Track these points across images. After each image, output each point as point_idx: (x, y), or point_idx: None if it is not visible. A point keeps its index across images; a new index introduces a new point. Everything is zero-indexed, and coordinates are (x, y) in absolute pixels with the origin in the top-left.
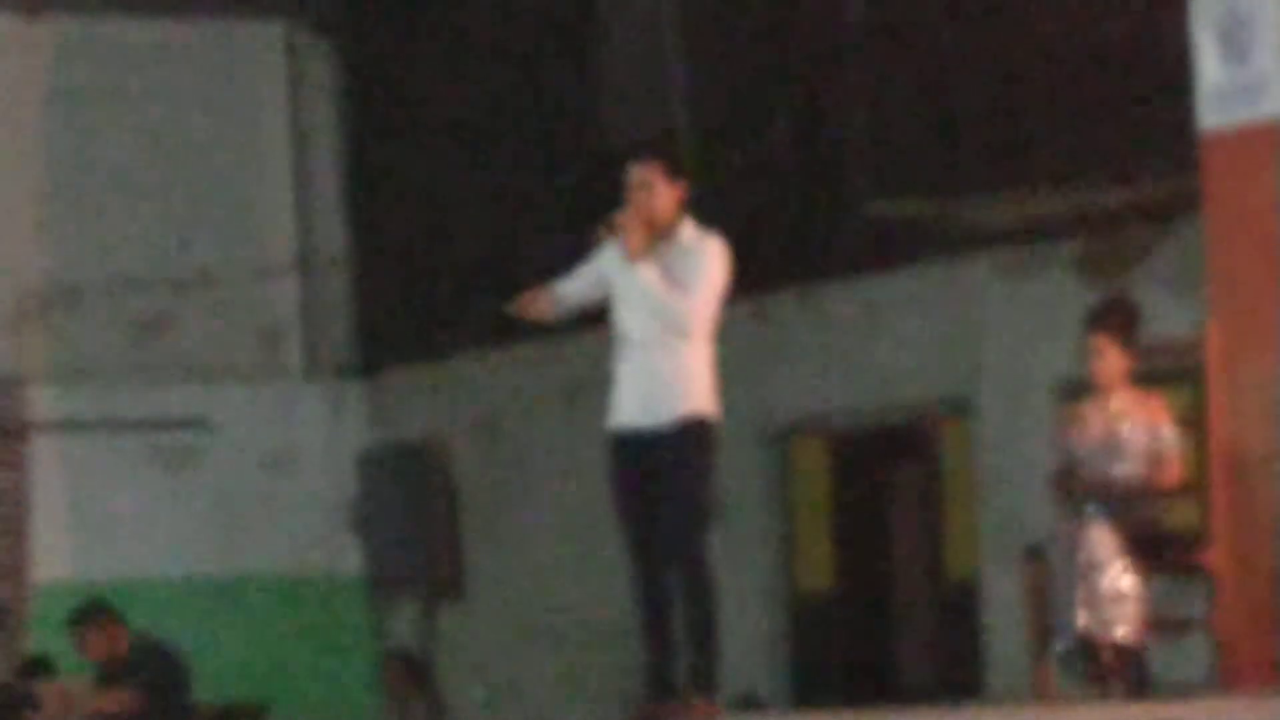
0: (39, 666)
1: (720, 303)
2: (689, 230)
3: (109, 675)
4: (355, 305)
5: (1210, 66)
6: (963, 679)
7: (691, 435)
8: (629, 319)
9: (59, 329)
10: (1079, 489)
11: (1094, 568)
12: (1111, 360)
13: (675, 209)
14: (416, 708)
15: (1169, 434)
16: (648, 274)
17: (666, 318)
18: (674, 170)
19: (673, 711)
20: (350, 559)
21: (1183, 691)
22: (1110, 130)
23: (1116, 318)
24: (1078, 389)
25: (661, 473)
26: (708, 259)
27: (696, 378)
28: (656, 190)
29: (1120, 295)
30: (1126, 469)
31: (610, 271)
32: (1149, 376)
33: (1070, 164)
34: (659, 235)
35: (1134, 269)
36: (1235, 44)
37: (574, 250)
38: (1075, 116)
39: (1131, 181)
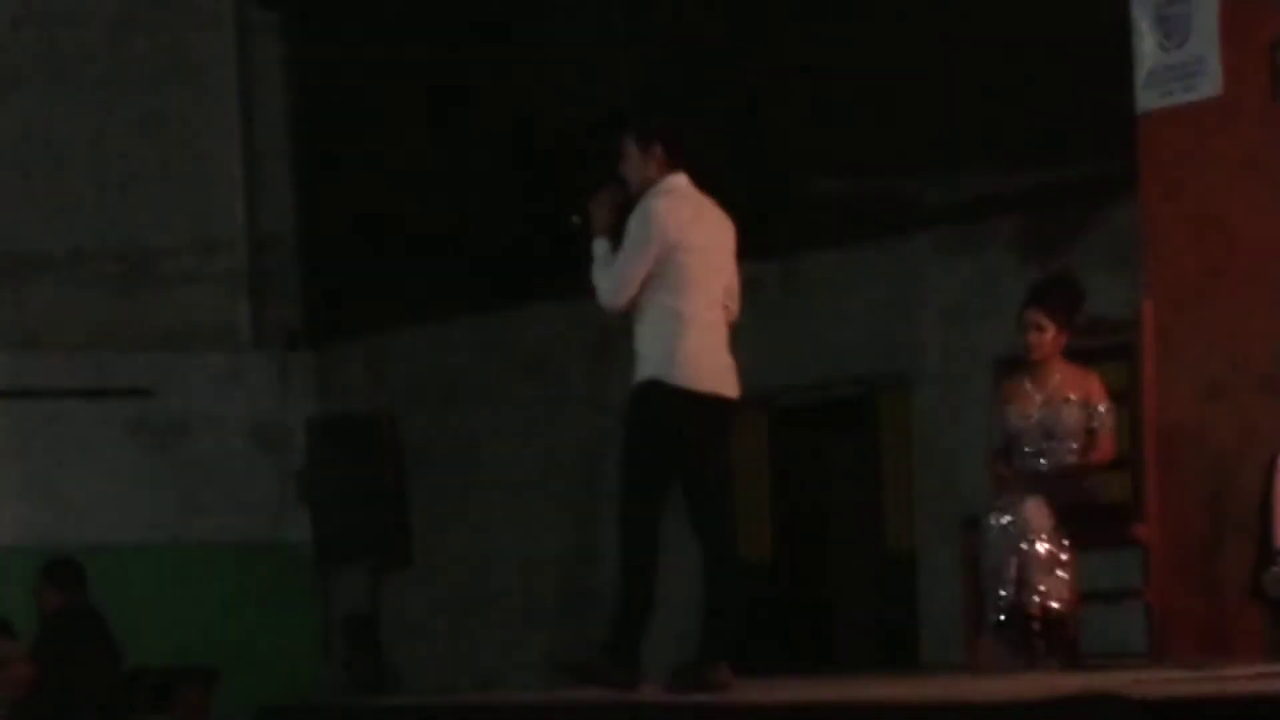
0: None
1: (650, 263)
2: (650, 193)
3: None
4: (304, 278)
5: (1148, 49)
6: (899, 649)
7: (632, 402)
8: None
9: (11, 298)
10: (1011, 477)
11: (1027, 540)
12: (1050, 337)
13: (651, 174)
14: (364, 673)
15: (1104, 410)
16: (596, 249)
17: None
18: (646, 138)
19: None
20: (298, 527)
21: (1115, 660)
22: (1048, 110)
23: (1058, 295)
24: (1012, 364)
25: None
26: (635, 224)
27: (648, 344)
28: (630, 158)
29: (1064, 273)
30: (1061, 447)
31: None
32: (1084, 353)
33: (1009, 143)
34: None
35: (1071, 247)
36: (1173, 27)
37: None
38: (1014, 96)
39: (1069, 161)
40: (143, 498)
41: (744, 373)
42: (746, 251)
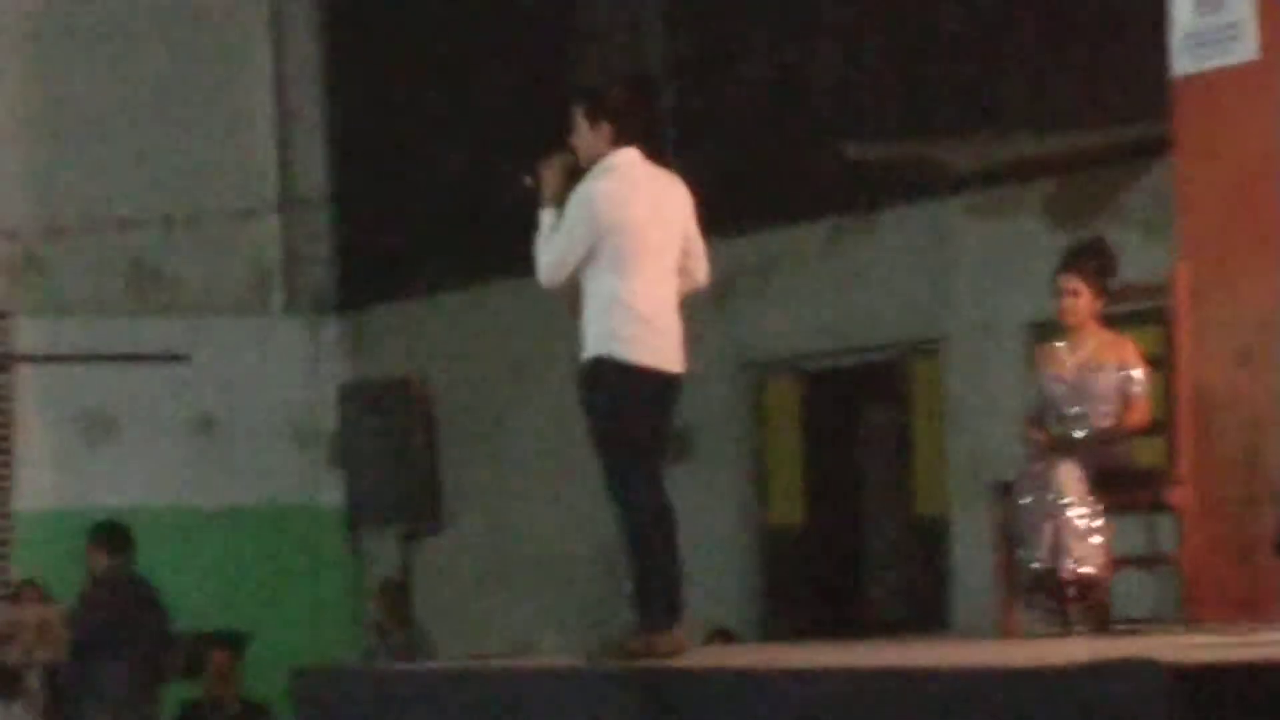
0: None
1: (586, 245)
2: (593, 172)
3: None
4: (336, 242)
5: (1184, 12)
6: (930, 614)
7: (583, 382)
8: None
9: (44, 265)
10: (1045, 442)
11: (1061, 505)
12: (1084, 301)
13: (597, 149)
14: (396, 638)
15: (1139, 375)
16: (543, 219)
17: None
18: (595, 113)
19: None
20: (331, 491)
21: (1147, 626)
22: (1082, 73)
23: (1092, 260)
24: (1047, 329)
25: None
26: (574, 204)
27: (591, 322)
28: (579, 131)
29: (1098, 238)
30: (1095, 412)
31: None
32: (1119, 318)
33: (1043, 107)
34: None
35: (1104, 211)
36: None
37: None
38: (1048, 59)
39: (1103, 124)
40: (176, 463)
41: (776, 338)
42: (781, 216)
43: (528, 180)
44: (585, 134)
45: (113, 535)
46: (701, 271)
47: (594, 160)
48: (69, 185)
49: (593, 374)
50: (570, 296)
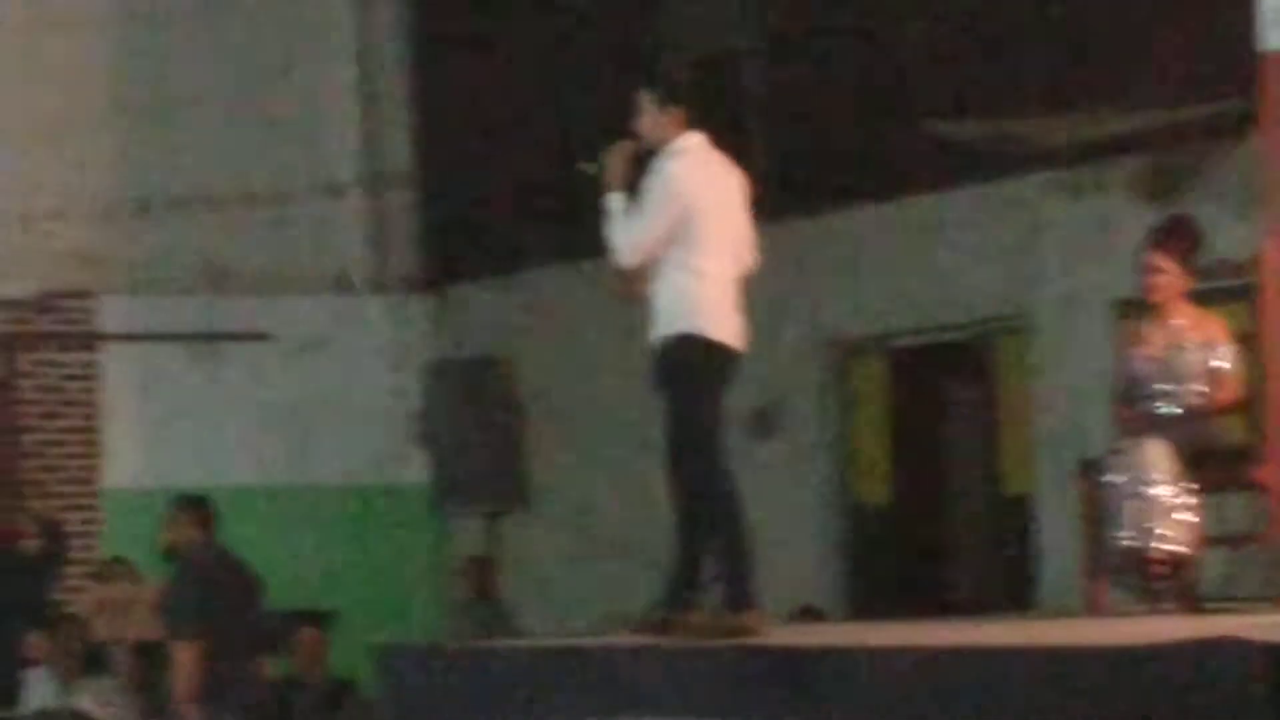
0: (116, 568)
1: (669, 223)
2: (667, 153)
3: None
4: (421, 220)
5: None
6: (1016, 593)
7: (665, 359)
8: None
9: (129, 244)
10: (1133, 420)
11: (1148, 483)
12: (1171, 279)
13: (666, 134)
14: (482, 615)
15: (1226, 353)
16: (611, 203)
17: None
18: (664, 98)
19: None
20: (416, 470)
21: (1235, 604)
22: (1170, 48)
23: (1178, 237)
24: (1133, 307)
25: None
26: (656, 183)
27: (671, 300)
28: (647, 115)
29: (1184, 215)
30: (1183, 390)
31: None
32: (1206, 295)
33: (1128, 83)
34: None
35: (1191, 188)
36: None
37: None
38: (1135, 35)
39: (1190, 100)
40: (261, 441)
41: (863, 316)
42: (868, 192)
43: (589, 167)
44: (654, 118)
45: (202, 509)
46: (751, 256)
47: (661, 144)
48: (153, 164)
49: (677, 349)
50: (626, 274)
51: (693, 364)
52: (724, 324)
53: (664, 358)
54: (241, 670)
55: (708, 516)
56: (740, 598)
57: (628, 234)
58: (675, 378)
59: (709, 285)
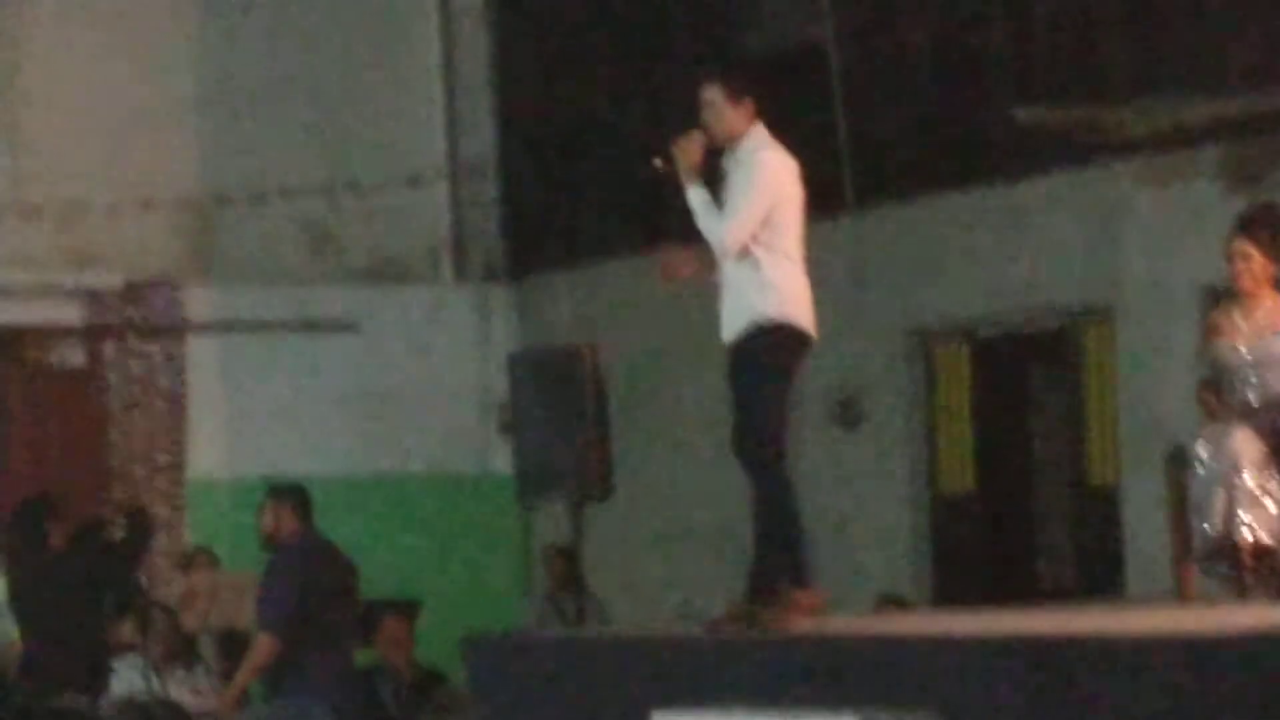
0: (199, 557)
1: (766, 211)
2: (750, 144)
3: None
4: (504, 210)
5: None
6: (1101, 582)
7: (747, 347)
8: None
9: (216, 235)
10: (1220, 409)
11: (1237, 472)
12: (1258, 267)
13: (738, 126)
14: (567, 604)
15: None
16: (694, 197)
17: (708, 239)
18: (736, 91)
19: (764, 611)
20: (500, 459)
21: None
22: (1257, 36)
23: (1265, 225)
24: (1219, 295)
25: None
26: (754, 172)
27: (761, 286)
28: (718, 109)
29: (1271, 203)
30: (1271, 378)
31: None
32: None
33: (1215, 70)
34: (728, 152)
35: (1278, 175)
36: None
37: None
38: (1221, 22)
39: (1275, 87)
40: (346, 431)
41: (946, 304)
42: (952, 181)
43: (659, 163)
44: (725, 112)
45: (300, 498)
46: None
47: (730, 137)
48: (240, 155)
49: (767, 335)
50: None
51: (779, 352)
52: (808, 314)
53: (748, 342)
54: (334, 659)
55: (778, 500)
56: (799, 576)
57: (727, 221)
58: (756, 363)
59: (798, 274)
